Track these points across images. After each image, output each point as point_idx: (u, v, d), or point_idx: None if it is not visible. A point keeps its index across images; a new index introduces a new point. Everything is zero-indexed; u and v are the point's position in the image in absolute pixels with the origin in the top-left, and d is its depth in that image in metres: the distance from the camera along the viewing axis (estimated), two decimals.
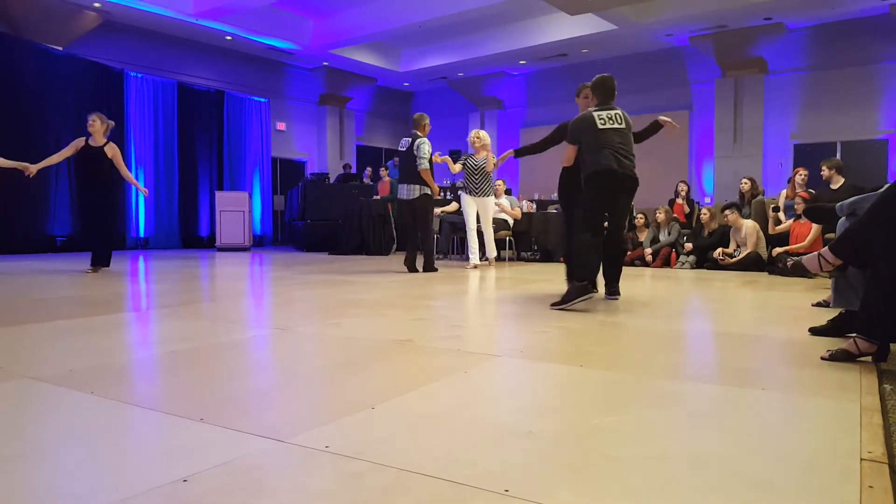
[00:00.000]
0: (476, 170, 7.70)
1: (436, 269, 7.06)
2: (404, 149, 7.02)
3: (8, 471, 1.44)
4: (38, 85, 10.01)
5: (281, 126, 14.87)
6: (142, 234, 11.81)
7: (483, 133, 7.88)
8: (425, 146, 6.90)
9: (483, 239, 7.99)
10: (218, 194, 11.74)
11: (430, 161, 6.95)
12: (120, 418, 1.84)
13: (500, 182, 9.57)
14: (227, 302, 4.49)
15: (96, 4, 10.47)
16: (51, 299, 4.47)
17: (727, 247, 7.76)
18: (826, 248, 2.91)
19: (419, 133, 7.00)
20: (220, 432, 1.70)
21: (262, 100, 13.91)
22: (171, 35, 12.25)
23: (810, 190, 7.59)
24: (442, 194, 11.35)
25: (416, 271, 6.92)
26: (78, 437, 1.68)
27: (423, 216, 7.01)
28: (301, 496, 1.32)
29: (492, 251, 8.04)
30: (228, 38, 12.49)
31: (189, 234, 12.45)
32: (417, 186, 6.90)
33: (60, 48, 10.51)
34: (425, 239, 7.13)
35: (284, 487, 1.38)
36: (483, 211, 7.80)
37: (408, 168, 6.96)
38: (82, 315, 3.73)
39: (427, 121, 7.16)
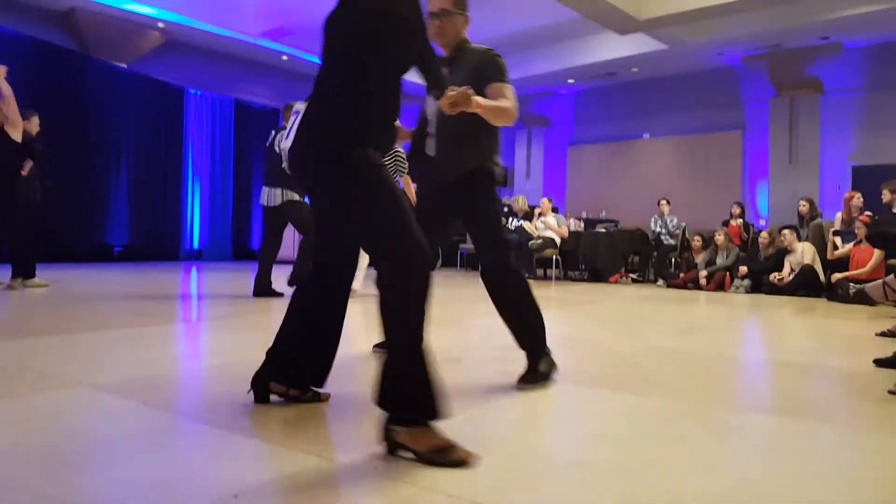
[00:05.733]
0: None
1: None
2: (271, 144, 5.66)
3: (64, 477, 1.48)
4: (103, 100, 10.43)
5: None
6: (196, 245, 12.13)
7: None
8: None
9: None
10: None
11: None
12: (172, 431, 1.87)
13: (546, 200, 9.51)
14: (277, 315, 4.56)
15: (160, 24, 10.88)
16: (107, 308, 4.61)
17: (782, 271, 7.54)
18: (892, 275, 2.80)
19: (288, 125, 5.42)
20: (270, 449, 1.72)
21: None
22: (230, 54, 12.62)
23: (868, 213, 7.32)
24: None
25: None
26: (131, 447, 1.71)
27: (299, 225, 5.49)
28: None
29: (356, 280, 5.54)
30: (285, 58, 12.80)
31: (241, 246, 12.75)
32: (279, 191, 5.44)
33: (125, 65, 10.94)
34: (303, 256, 5.55)
35: None
36: None
37: (275, 168, 5.45)
38: (138, 325, 3.84)
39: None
